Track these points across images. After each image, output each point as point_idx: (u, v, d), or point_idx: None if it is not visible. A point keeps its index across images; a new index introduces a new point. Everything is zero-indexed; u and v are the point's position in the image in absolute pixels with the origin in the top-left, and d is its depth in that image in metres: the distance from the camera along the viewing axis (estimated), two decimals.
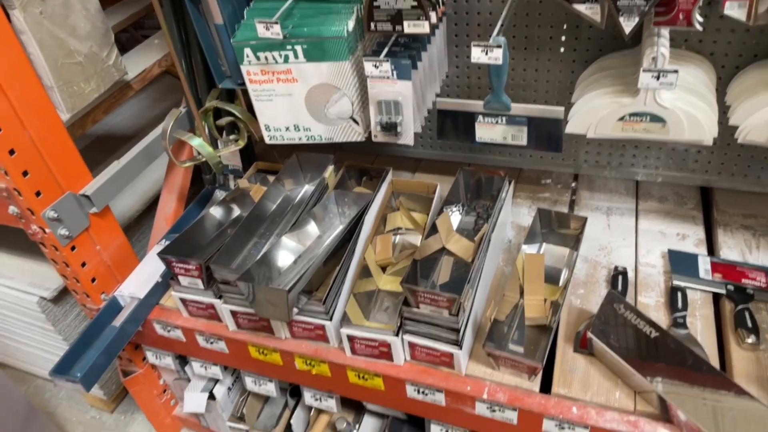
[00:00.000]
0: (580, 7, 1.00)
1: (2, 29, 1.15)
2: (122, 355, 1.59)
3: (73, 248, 1.37)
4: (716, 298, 1.27)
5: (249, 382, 1.52)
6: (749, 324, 1.17)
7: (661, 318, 1.24)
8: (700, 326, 1.21)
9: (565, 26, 1.29)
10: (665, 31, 1.08)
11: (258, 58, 1.19)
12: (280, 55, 1.18)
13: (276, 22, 1.11)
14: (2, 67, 1.15)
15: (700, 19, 1.00)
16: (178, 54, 1.41)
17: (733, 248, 1.37)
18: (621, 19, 0.97)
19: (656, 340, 1.11)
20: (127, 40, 2.16)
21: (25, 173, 1.23)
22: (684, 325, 1.20)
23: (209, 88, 1.51)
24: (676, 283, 1.29)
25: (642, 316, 1.14)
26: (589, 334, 1.15)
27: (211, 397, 1.63)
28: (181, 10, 1.36)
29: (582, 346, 1.19)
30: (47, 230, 1.30)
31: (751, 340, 1.14)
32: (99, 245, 1.43)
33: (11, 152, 1.19)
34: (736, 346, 1.16)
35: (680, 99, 1.09)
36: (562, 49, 1.33)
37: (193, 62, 1.46)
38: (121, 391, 2.05)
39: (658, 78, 1.01)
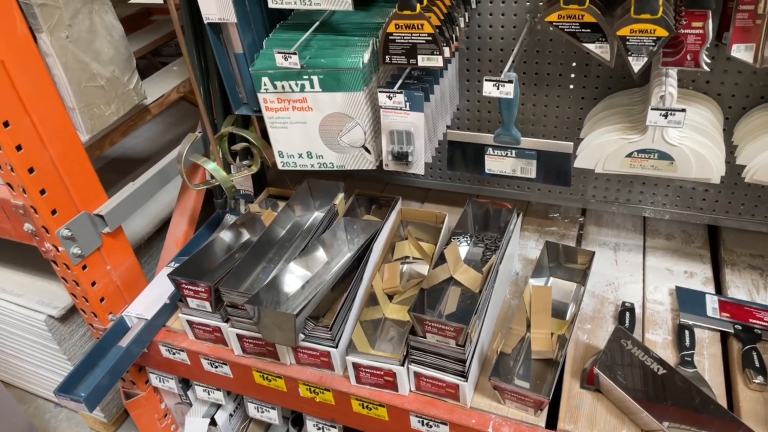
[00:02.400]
0: (591, 46, 1.03)
1: (29, 51, 1.19)
2: (125, 376, 1.59)
3: (84, 267, 1.38)
4: (724, 337, 1.26)
5: (252, 409, 1.51)
6: (757, 364, 1.16)
7: (669, 356, 1.23)
8: (708, 365, 1.20)
9: (574, 64, 1.32)
10: (673, 71, 1.10)
11: (275, 87, 1.22)
12: (297, 84, 1.21)
13: (294, 53, 1.15)
14: (27, 87, 1.18)
15: (708, 60, 1.03)
16: (197, 80, 1.44)
17: (740, 288, 1.36)
18: (630, 59, 0.99)
19: (664, 377, 1.10)
20: (144, 66, 2.22)
21: (42, 191, 1.25)
22: (692, 364, 1.19)
23: (225, 114, 1.55)
24: (683, 321, 1.28)
25: (650, 353, 1.14)
26: (596, 370, 1.14)
27: (213, 423, 1.62)
28: (202, 39, 1.41)
29: (589, 382, 1.18)
30: (60, 248, 1.32)
31: (759, 380, 1.13)
32: (110, 265, 1.45)
33: (30, 170, 1.22)
34: (744, 387, 1.15)
35: (688, 137, 1.11)
36: (571, 86, 1.36)
37: (210, 89, 1.50)
38: (121, 414, 2.03)
39: (666, 116, 1.03)
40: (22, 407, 2.12)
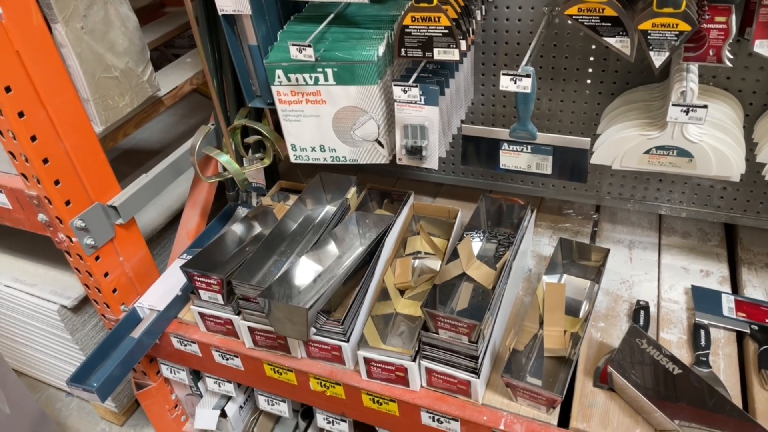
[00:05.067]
0: (611, 40, 1.01)
1: (44, 42, 1.19)
2: (137, 367, 1.60)
3: (97, 258, 1.38)
4: (740, 337, 1.25)
5: (262, 401, 1.52)
6: None
7: (684, 355, 1.21)
8: (723, 365, 1.19)
9: (592, 58, 1.30)
10: (694, 67, 1.08)
11: (289, 80, 1.22)
12: (311, 77, 1.20)
13: (309, 45, 1.14)
14: (42, 78, 1.18)
15: (730, 56, 1.01)
16: (211, 72, 1.44)
17: (757, 287, 1.35)
18: (651, 54, 0.98)
19: (678, 377, 1.09)
20: (157, 57, 2.21)
21: (56, 182, 1.25)
22: (707, 364, 1.18)
23: (238, 107, 1.54)
24: (699, 320, 1.27)
25: (665, 352, 1.13)
26: (610, 369, 1.13)
27: (223, 414, 1.62)
28: (216, 31, 1.40)
29: (602, 380, 1.17)
30: (74, 239, 1.32)
31: None
32: (122, 256, 1.45)
33: (45, 161, 1.22)
34: (760, 388, 1.14)
35: (708, 134, 1.09)
36: (589, 81, 1.34)
37: (224, 81, 1.50)
38: (132, 405, 2.04)
39: (687, 112, 1.01)
40: (34, 396, 2.14)
